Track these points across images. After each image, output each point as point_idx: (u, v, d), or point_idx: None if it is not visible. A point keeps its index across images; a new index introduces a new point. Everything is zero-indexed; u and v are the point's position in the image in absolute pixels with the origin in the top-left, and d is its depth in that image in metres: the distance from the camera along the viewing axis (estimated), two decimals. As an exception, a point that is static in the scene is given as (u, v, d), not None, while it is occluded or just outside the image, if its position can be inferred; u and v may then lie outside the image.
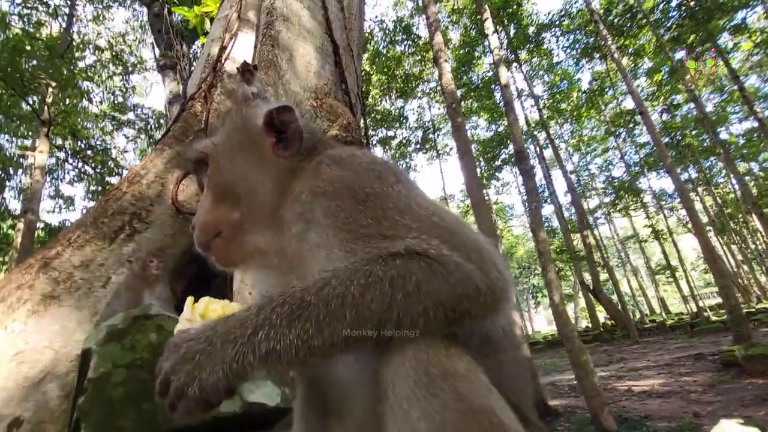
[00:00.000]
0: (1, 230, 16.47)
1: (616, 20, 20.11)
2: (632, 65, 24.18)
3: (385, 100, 27.81)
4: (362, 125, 7.51)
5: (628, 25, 20.13)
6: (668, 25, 18.66)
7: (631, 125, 26.49)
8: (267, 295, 0.76)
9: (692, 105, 20.81)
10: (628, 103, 26.10)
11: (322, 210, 0.86)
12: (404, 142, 30.18)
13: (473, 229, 0.86)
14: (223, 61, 5.42)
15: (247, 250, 1.00)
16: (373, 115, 25.87)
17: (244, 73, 4.21)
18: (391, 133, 29.35)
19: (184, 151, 1.13)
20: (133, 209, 4.25)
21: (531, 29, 24.84)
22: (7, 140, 18.04)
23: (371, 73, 24.46)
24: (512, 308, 0.83)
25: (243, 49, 5.56)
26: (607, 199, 29.52)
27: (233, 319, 0.74)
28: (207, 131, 4.56)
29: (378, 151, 29.07)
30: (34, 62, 12.01)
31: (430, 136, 29.78)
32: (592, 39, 22.67)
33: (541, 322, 59.29)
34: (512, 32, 24.65)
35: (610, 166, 31.10)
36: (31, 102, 13.29)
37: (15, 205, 17.64)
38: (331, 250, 0.83)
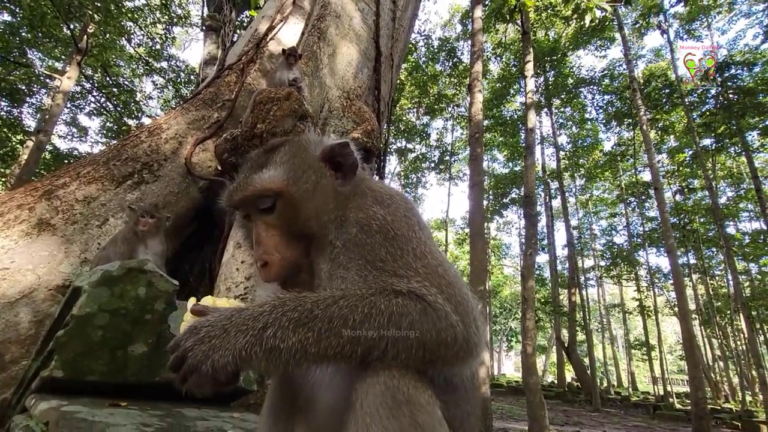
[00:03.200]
0: (9, 143, 16.54)
1: (653, 93, 20.34)
2: (658, 140, 24.38)
3: (413, 113, 28.01)
4: (384, 133, 7.60)
5: (663, 100, 20.36)
6: (702, 110, 18.88)
7: (643, 197, 26.63)
8: (281, 297, 0.85)
9: (707, 192, 20.97)
10: (646, 176, 26.27)
11: (356, 239, 0.96)
12: (420, 157, 30.33)
13: (466, 284, 0.94)
14: (268, 40, 5.54)
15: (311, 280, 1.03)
16: (397, 124, 26.04)
17: (289, 57, 4.30)
18: (410, 146, 29.51)
19: (240, 188, 1.08)
20: (147, 159, 4.34)
21: (570, 80, 25.11)
22: (39, 58, 18.20)
23: (405, 83, 24.67)
24: (479, 362, 0.91)
25: (290, 34, 5.68)
26: (602, 263, 29.57)
27: (248, 313, 0.83)
28: (235, 104, 4.66)
29: (393, 161, 29.21)
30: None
31: (447, 158, 29.95)
32: (626, 105, 22.91)
33: (509, 367, 58.94)
34: (551, 79, 24.91)
35: (613, 232, 31.23)
36: (71, 27, 13.41)
37: (29, 123, 17.74)
38: (348, 273, 0.94)
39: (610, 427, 13.91)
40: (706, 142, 20.77)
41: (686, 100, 18.43)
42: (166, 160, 4.37)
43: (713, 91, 17.79)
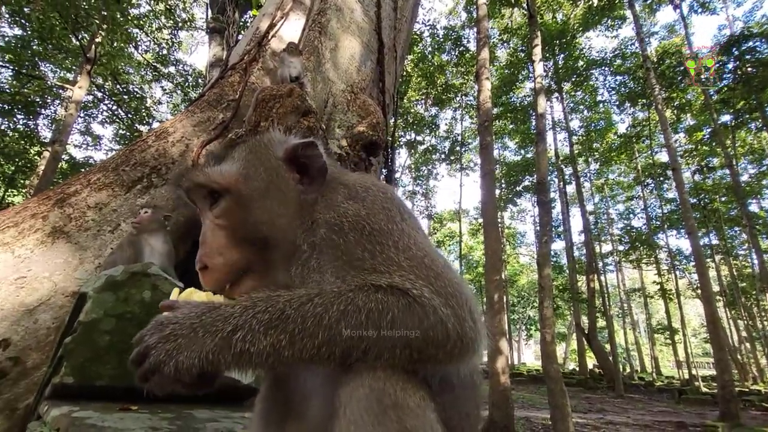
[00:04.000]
0: (27, 155, 16.97)
1: (667, 71, 19.73)
2: (674, 119, 23.70)
3: (421, 105, 27.79)
4: (391, 125, 7.54)
5: (679, 78, 19.74)
6: (720, 86, 18.26)
7: (660, 179, 25.99)
8: (254, 297, 0.80)
9: (727, 171, 20.34)
10: (663, 156, 25.60)
11: (328, 240, 0.90)
12: (431, 149, 30.13)
13: (459, 274, 0.88)
14: (269, 37, 5.50)
15: (267, 285, 0.94)
16: (405, 117, 25.87)
17: (290, 53, 4.27)
18: (419, 138, 29.32)
19: (191, 174, 1.03)
20: (155, 163, 4.36)
21: (580, 63, 24.55)
22: (51, 70, 18.58)
23: (412, 75, 24.45)
24: (480, 357, 0.84)
25: (291, 30, 5.63)
26: (621, 248, 29.02)
27: (218, 314, 0.77)
28: (240, 103, 4.65)
29: (403, 154, 29.09)
30: (93, 1, 12.34)
31: (457, 148, 29.68)
32: (640, 85, 22.31)
33: (529, 356, 58.58)
34: (560, 62, 24.39)
35: (631, 215, 30.61)
36: (80, 38, 13.63)
37: (45, 134, 18.17)
38: (323, 276, 0.88)
39: (635, 412, 13.71)
40: (725, 118, 20.10)
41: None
42: (174, 163, 4.39)
43: (731, 66, 17.16)
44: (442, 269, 0.84)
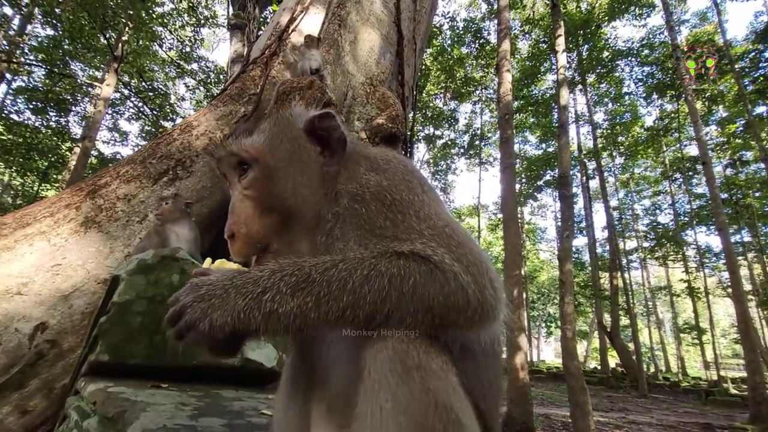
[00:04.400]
0: (59, 150, 17.66)
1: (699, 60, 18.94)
2: (705, 111, 22.78)
3: (440, 99, 27.52)
4: (410, 119, 7.51)
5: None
6: (755, 75, 17.44)
7: (689, 173, 25.06)
8: (281, 262, 0.84)
9: (762, 164, 19.47)
10: (692, 150, 24.65)
11: (351, 209, 0.93)
12: (449, 143, 29.84)
13: (479, 245, 0.89)
14: (289, 31, 5.55)
15: (291, 254, 0.97)
16: (424, 111, 25.67)
17: (308, 46, 4.30)
18: (438, 133, 29.07)
19: (224, 144, 1.09)
20: (180, 156, 4.49)
21: (605, 54, 23.81)
22: (81, 68, 19.24)
23: (431, 68, 24.21)
24: (500, 325, 0.85)
25: (311, 23, 5.67)
26: (646, 244, 28.17)
27: (248, 277, 0.82)
28: (261, 97, 4.72)
29: (421, 148, 28.92)
30: (119, 1, 12.69)
31: (476, 142, 29.29)
32: (669, 76, 21.49)
33: (549, 353, 57.76)
34: (584, 53, 23.72)
35: (657, 211, 29.63)
36: (107, 37, 14.06)
37: (76, 130, 18.86)
38: (347, 243, 0.91)
39: (659, 413, 13.37)
40: (761, 109, 19.21)
41: (737, 65, 17.08)
42: (197, 156, 4.51)
43: (767, 55, 16.37)
44: (462, 238, 0.86)
